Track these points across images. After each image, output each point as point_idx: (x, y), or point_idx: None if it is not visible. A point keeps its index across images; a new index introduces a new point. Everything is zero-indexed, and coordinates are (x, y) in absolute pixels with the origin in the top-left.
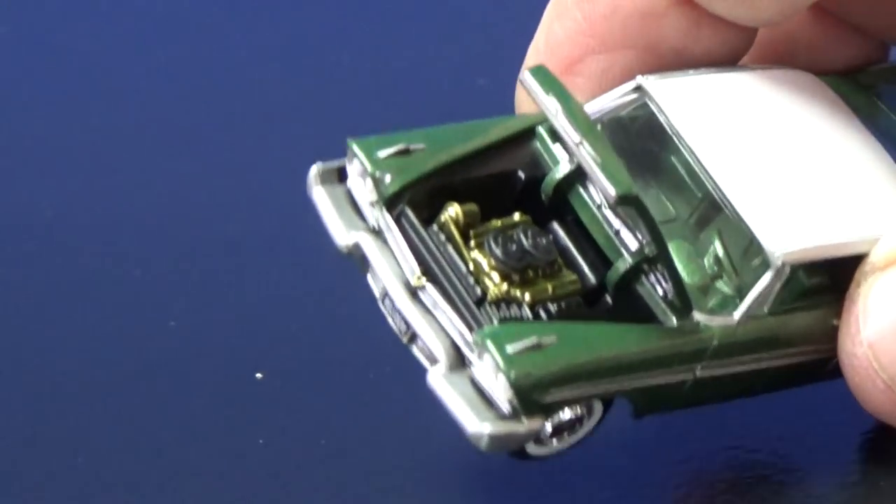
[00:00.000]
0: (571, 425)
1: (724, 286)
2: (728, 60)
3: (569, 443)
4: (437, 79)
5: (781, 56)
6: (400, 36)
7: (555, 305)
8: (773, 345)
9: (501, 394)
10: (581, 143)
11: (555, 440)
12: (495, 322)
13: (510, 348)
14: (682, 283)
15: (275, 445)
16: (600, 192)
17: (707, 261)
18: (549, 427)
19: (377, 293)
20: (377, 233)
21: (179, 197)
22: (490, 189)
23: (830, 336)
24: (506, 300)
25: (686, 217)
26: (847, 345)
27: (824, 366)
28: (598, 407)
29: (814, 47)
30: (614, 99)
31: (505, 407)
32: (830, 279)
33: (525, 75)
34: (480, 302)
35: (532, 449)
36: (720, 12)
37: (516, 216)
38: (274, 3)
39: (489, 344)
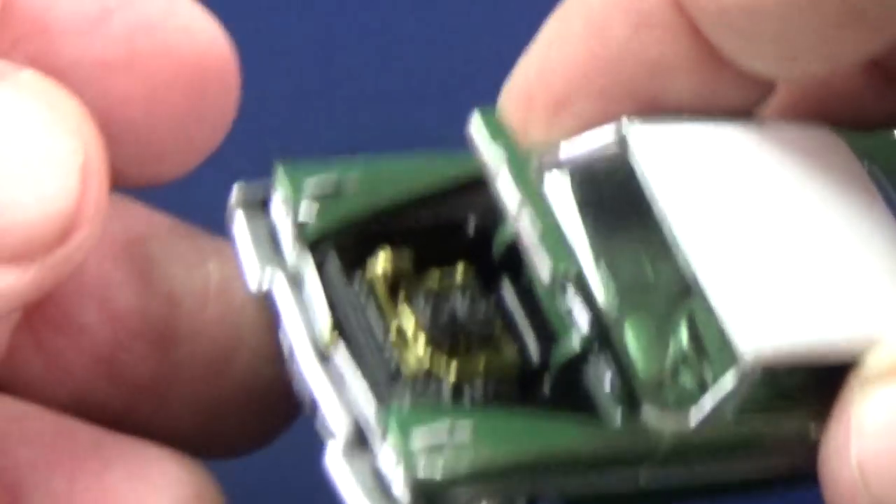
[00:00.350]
0: None
1: (686, 380)
2: (739, 113)
3: None
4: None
5: (810, 105)
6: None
7: (481, 387)
8: (735, 453)
9: (400, 488)
10: (520, 211)
11: None
12: (407, 402)
13: (416, 439)
14: (631, 377)
15: (275, 445)
16: (535, 270)
17: (673, 345)
18: None
19: (285, 350)
20: (295, 277)
21: (181, 196)
22: (434, 236)
23: (807, 446)
24: (426, 375)
25: (667, 285)
26: (832, 459)
27: (798, 477)
28: None
29: (853, 98)
30: (593, 141)
31: (404, 501)
32: (814, 379)
33: (474, 119)
34: (396, 375)
35: None
36: (755, 70)
37: (460, 269)
38: (275, 8)
39: (393, 430)
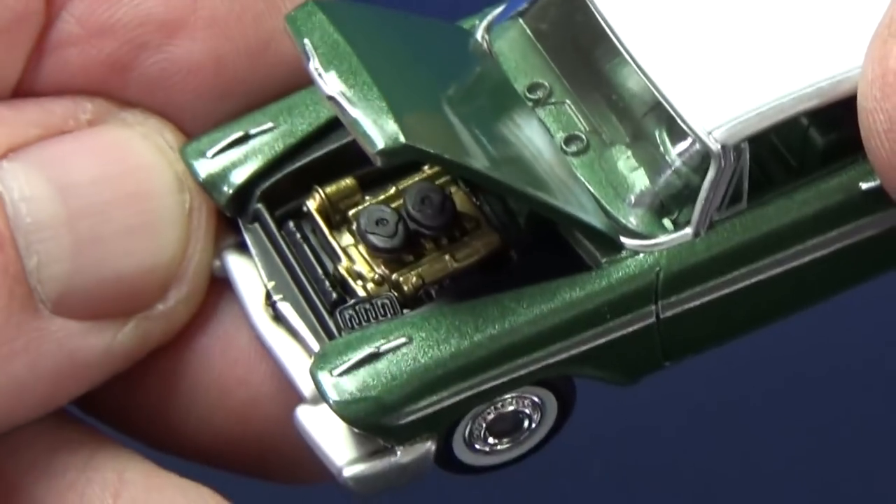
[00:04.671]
0: (517, 423)
1: (676, 192)
2: None
3: (525, 446)
4: None
5: None
6: None
7: (440, 288)
8: (779, 242)
9: (344, 428)
10: (336, 95)
11: (501, 443)
12: (340, 334)
13: (335, 370)
14: (571, 217)
15: None
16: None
17: (658, 166)
18: (429, 445)
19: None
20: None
21: None
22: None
23: (864, 203)
24: (376, 296)
25: (641, 114)
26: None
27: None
28: (546, 396)
29: None
30: None
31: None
32: (853, 132)
33: (287, 17)
34: (336, 306)
35: (468, 458)
36: None
37: (416, 176)
38: None
39: (312, 371)
